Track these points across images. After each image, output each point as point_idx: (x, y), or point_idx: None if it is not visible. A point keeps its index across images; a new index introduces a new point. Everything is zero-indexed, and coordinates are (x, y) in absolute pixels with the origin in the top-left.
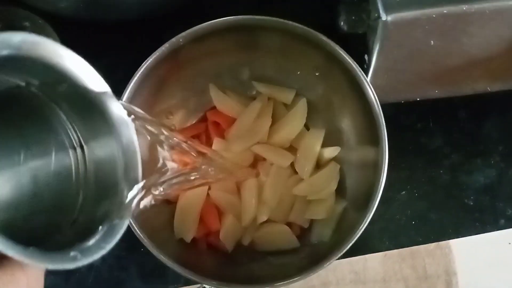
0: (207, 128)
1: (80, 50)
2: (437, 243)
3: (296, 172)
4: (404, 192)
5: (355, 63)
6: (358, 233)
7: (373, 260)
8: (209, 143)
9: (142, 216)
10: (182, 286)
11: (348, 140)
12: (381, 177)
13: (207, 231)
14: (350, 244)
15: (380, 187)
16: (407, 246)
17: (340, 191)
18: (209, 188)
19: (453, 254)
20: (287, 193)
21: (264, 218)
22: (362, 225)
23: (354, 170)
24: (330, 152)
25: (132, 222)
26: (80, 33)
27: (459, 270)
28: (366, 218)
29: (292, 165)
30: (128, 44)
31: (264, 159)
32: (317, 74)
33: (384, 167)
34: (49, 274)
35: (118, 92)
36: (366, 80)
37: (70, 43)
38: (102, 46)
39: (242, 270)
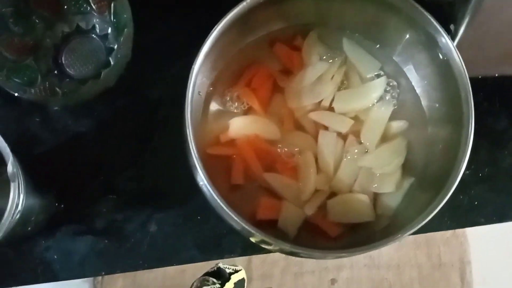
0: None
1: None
2: (453, 231)
3: (360, 143)
4: (467, 171)
5: (444, 31)
6: (432, 213)
7: (388, 246)
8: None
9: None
10: (238, 256)
11: (419, 115)
12: (464, 157)
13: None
14: (423, 223)
15: (462, 167)
16: (468, 226)
17: (407, 166)
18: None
19: (468, 243)
20: (350, 164)
21: (325, 188)
22: (437, 204)
23: (423, 147)
24: (398, 126)
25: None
26: None
27: (473, 260)
28: (442, 197)
29: (356, 134)
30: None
31: (325, 128)
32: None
33: (468, 146)
34: (103, 238)
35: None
36: (456, 50)
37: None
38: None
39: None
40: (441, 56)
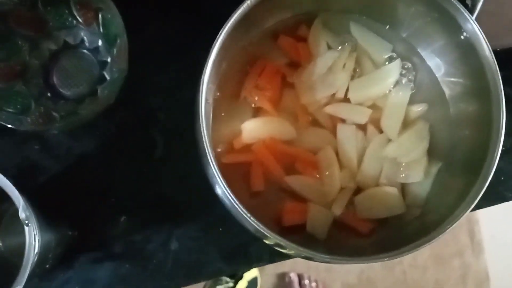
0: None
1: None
2: None
3: (380, 132)
4: None
5: (461, 5)
6: (475, 199)
7: None
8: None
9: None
10: (266, 263)
11: (438, 96)
12: (499, 134)
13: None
14: (467, 212)
15: (498, 146)
16: (498, 203)
17: (432, 151)
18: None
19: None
20: (373, 156)
21: (351, 185)
22: (479, 190)
23: (447, 128)
24: (418, 109)
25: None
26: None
27: (481, 218)
28: (483, 182)
29: (375, 124)
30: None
31: (342, 121)
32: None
33: (502, 123)
34: (124, 263)
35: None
36: (475, 24)
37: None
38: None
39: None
40: (460, 33)
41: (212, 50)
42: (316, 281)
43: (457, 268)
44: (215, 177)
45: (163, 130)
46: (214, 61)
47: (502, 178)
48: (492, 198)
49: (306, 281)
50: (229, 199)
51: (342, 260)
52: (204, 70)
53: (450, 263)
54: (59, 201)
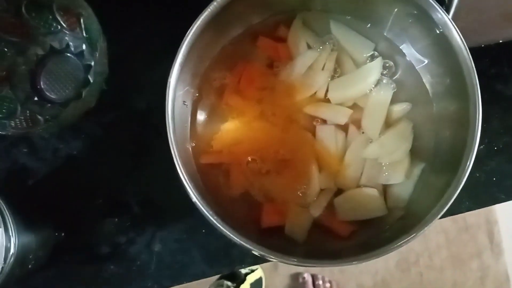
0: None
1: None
2: None
3: (362, 133)
4: (482, 146)
5: (437, 3)
6: (451, 198)
7: None
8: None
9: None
10: (249, 265)
11: (422, 94)
12: (475, 133)
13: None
14: (443, 212)
15: (474, 145)
16: (490, 205)
17: (415, 152)
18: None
19: None
20: (354, 157)
21: (331, 186)
22: (455, 189)
23: (431, 128)
24: (401, 108)
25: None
26: (115, 2)
27: (500, 218)
28: (459, 181)
29: (357, 124)
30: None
31: (323, 121)
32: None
33: (478, 121)
34: (109, 264)
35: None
36: (452, 22)
37: (106, 13)
38: (140, 15)
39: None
40: (436, 30)
41: (179, 53)
42: (330, 282)
43: (475, 270)
44: (186, 186)
45: (148, 131)
46: (182, 63)
47: (494, 179)
48: (484, 199)
49: (320, 282)
50: (201, 208)
51: (316, 263)
52: (170, 72)
53: (469, 264)
54: (46, 203)
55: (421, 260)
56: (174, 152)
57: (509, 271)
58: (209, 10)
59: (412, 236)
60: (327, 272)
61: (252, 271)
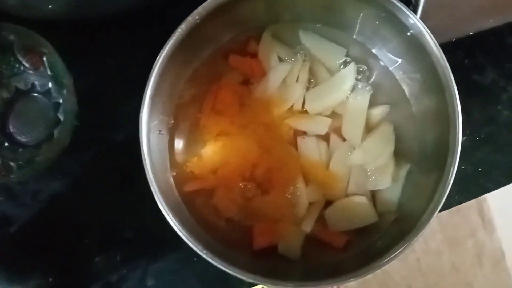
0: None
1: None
2: None
3: (344, 140)
4: (464, 138)
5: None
6: (442, 199)
7: None
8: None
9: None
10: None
11: (399, 95)
12: (456, 128)
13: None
14: (436, 213)
15: (458, 140)
16: (479, 196)
17: (400, 153)
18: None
19: None
20: (339, 166)
21: (320, 198)
22: (445, 188)
23: (413, 127)
24: (380, 111)
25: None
26: (78, 37)
27: (488, 196)
28: (447, 179)
29: (338, 132)
30: (130, 40)
31: (304, 133)
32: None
33: (458, 115)
34: None
35: (138, 85)
36: (419, 21)
37: (70, 49)
38: (106, 46)
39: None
40: (406, 31)
41: (147, 86)
42: None
43: (471, 249)
44: (167, 217)
45: (130, 163)
46: (152, 95)
47: (480, 169)
48: (473, 191)
49: None
50: (183, 238)
51: (314, 284)
52: (141, 106)
53: (464, 244)
54: (31, 249)
55: (417, 246)
56: (153, 186)
57: (503, 246)
58: (174, 38)
59: (410, 241)
60: None
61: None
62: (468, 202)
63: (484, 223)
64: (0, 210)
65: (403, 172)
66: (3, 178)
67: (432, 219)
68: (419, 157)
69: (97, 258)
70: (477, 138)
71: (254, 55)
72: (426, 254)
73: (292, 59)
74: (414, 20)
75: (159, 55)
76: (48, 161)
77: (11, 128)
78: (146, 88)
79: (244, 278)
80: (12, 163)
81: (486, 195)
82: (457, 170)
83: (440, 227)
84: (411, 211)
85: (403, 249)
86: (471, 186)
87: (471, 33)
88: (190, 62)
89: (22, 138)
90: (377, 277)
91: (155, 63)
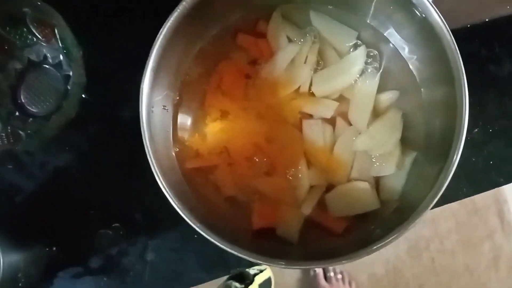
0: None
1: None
2: None
3: (350, 125)
4: (476, 129)
5: None
6: (442, 187)
7: None
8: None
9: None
10: (245, 268)
11: (409, 81)
12: (463, 117)
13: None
14: (435, 201)
15: (463, 129)
16: (488, 189)
17: (406, 141)
18: None
19: None
20: (343, 150)
21: (321, 182)
22: (446, 177)
23: (421, 115)
24: (388, 97)
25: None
26: (88, 12)
27: (509, 196)
28: (449, 168)
29: (344, 116)
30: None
31: (309, 116)
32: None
33: (465, 104)
34: (102, 276)
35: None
36: (431, 4)
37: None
38: (117, 22)
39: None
40: (418, 14)
41: (149, 58)
42: (341, 273)
43: (487, 252)
44: (166, 194)
45: (136, 139)
46: (155, 68)
47: (491, 163)
48: (483, 184)
49: (332, 274)
50: (183, 215)
51: (309, 264)
52: (142, 79)
53: (480, 246)
54: (36, 218)
55: (432, 245)
56: (152, 162)
57: None
58: (178, 11)
59: (406, 228)
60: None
61: (261, 271)
62: (487, 203)
63: (503, 225)
64: (7, 179)
65: (408, 160)
66: (11, 146)
67: (429, 209)
68: (426, 146)
69: (99, 231)
70: (490, 130)
71: (263, 35)
72: (441, 254)
73: (302, 40)
74: (426, 2)
75: (163, 27)
76: (54, 132)
77: (23, 99)
78: (148, 60)
79: (241, 255)
80: (21, 132)
81: (507, 195)
82: (468, 163)
83: (456, 227)
84: (414, 201)
85: (396, 236)
86: (482, 180)
87: (486, 20)
88: (196, 40)
89: (32, 109)
90: (390, 274)
91: (158, 35)
